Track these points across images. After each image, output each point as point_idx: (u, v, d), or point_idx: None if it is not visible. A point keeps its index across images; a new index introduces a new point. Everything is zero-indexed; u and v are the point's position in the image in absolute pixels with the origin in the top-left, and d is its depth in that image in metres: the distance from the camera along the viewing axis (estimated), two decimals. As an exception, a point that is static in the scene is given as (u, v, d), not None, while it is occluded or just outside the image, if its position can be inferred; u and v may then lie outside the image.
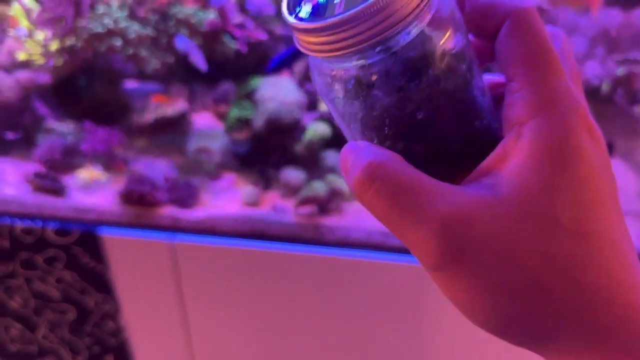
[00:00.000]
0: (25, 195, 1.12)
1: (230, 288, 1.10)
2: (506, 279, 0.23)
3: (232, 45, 1.16)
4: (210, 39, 1.13)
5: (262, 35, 1.17)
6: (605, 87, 1.12)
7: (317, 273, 1.06)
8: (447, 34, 0.26)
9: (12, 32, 1.19)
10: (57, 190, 1.11)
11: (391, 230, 0.25)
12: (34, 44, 1.12)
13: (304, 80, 1.20)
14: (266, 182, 1.12)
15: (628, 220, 0.98)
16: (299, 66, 1.21)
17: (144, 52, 1.10)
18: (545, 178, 0.24)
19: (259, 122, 1.11)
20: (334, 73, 0.27)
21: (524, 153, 0.24)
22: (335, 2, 0.25)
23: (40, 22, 1.07)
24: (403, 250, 0.98)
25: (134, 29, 1.07)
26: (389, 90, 0.26)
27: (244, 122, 1.14)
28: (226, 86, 1.26)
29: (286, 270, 1.07)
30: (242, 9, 1.20)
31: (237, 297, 1.11)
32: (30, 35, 1.15)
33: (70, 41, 1.07)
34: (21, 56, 1.13)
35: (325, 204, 1.05)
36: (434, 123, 0.28)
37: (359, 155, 0.26)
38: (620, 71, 1.08)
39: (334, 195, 1.06)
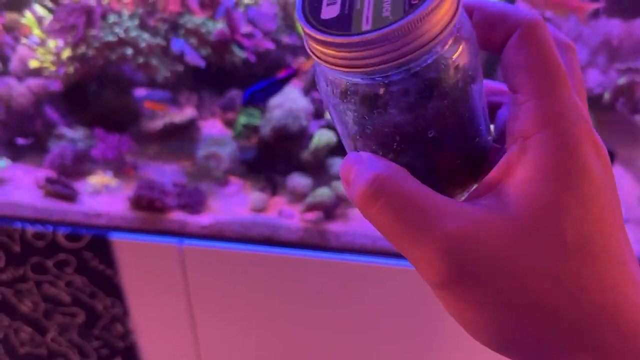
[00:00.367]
0: (36, 201, 1.13)
1: (237, 292, 1.12)
2: (511, 299, 0.23)
3: (240, 54, 1.17)
4: (219, 48, 1.15)
5: (269, 45, 1.19)
6: (607, 96, 1.13)
7: (322, 278, 1.07)
8: (463, 51, 0.26)
9: (24, 41, 1.21)
10: (68, 196, 1.13)
11: (395, 246, 0.25)
12: (46, 52, 1.14)
13: (311, 88, 1.22)
14: (273, 188, 1.14)
15: (629, 227, 0.99)
16: (306, 74, 1.23)
17: (154, 61, 1.12)
18: (551, 195, 0.23)
19: (266, 129, 1.12)
20: (346, 84, 0.26)
21: (529, 168, 0.24)
22: (358, 6, 0.24)
23: (53, 31, 1.09)
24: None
25: (145, 38, 1.09)
26: (405, 109, 0.26)
27: (252, 129, 1.16)
28: (233, 94, 1.28)
29: (292, 275, 1.08)
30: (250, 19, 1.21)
31: (244, 301, 1.12)
32: (42, 43, 1.17)
33: (81, 50, 1.09)
34: (33, 64, 1.15)
35: (331, 210, 1.07)
36: (443, 140, 0.28)
37: (363, 167, 0.25)
38: (622, 80, 1.09)
39: (340, 201, 1.08)
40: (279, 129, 1.11)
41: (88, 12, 1.06)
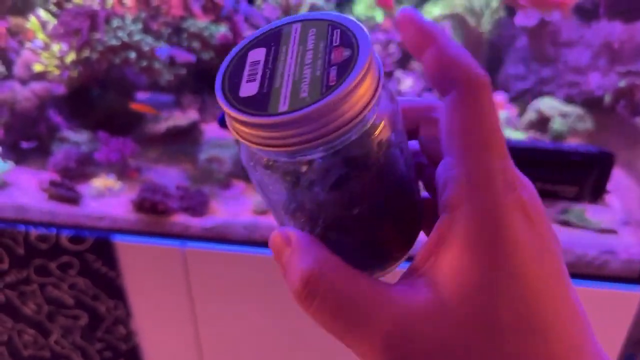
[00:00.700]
0: (40, 203, 1.14)
1: (240, 294, 1.12)
2: None
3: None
4: (221, 52, 1.15)
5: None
6: (607, 99, 1.14)
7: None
8: (386, 126, 0.25)
9: (28, 45, 1.22)
10: (72, 199, 1.13)
11: (338, 339, 0.25)
12: (50, 56, 1.14)
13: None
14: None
15: (630, 230, 0.99)
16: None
17: (157, 65, 1.13)
18: (481, 277, 0.23)
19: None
20: (268, 160, 0.25)
21: (457, 245, 0.23)
22: (277, 85, 0.24)
23: (57, 35, 1.10)
24: (409, 259, 0.99)
25: (148, 42, 1.10)
26: (328, 187, 0.25)
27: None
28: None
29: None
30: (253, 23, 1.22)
31: (247, 303, 1.13)
32: (46, 47, 1.17)
33: (85, 53, 1.10)
34: (37, 68, 1.16)
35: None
36: (370, 216, 0.27)
37: (294, 259, 0.25)
38: (623, 83, 1.10)
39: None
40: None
41: (92, 16, 1.07)
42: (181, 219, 1.10)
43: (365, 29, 0.25)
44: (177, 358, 1.26)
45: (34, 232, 1.11)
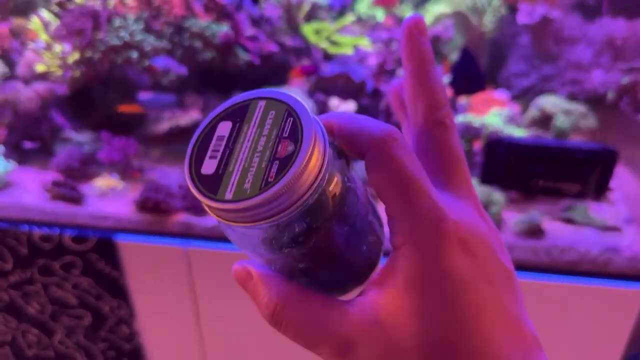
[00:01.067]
0: (43, 203, 1.14)
1: (243, 294, 1.11)
2: None
3: (244, 57, 1.18)
4: (223, 51, 1.15)
5: (273, 47, 1.19)
6: (610, 96, 1.13)
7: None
8: (335, 180, 0.28)
9: (31, 45, 1.22)
10: (75, 199, 1.13)
11: (305, 348, 0.29)
12: (52, 56, 1.15)
13: (315, 89, 1.22)
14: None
15: (633, 227, 0.98)
16: (311, 77, 1.24)
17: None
18: (415, 305, 0.26)
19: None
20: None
21: (397, 279, 0.27)
22: (230, 168, 0.27)
23: (61, 35, 1.10)
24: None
25: (150, 42, 1.10)
26: (286, 244, 0.28)
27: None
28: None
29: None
30: (255, 21, 1.22)
31: (250, 303, 1.12)
32: (48, 47, 1.18)
33: (87, 53, 1.10)
34: (40, 68, 1.16)
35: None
36: (331, 263, 0.31)
37: (260, 290, 0.30)
38: (625, 80, 1.10)
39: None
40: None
41: (94, 17, 1.07)
42: (184, 218, 1.10)
43: (313, 121, 0.27)
44: (180, 358, 1.26)
45: (37, 232, 1.11)
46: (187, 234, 1.10)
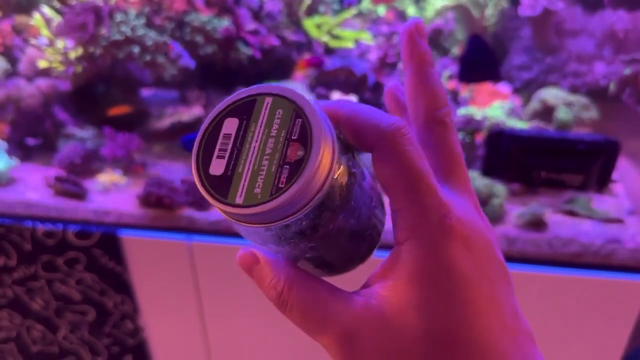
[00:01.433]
0: (46, 199, 1.15)
1: (246, 288, 1.12)
2: None
3: (246, 51, 1.18)
4: (224, 45, 1.15)
5: (274, 41, 1.19)
6: (612, 87, 1.13)
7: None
8: (341, 173, 0.28)
9: (33, 41, 1.22)
10: (78, 194, 1.14)
11: (307, 334, 0.30)
12: (54, 52, 1.15)
13: (317, 84, 1.22)
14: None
15: (637, 220, 0.98)
16: (311, 70, 1.24)
17: (160, 59, 1.13)
18: (418, 298, 0.27)
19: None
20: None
21: (401, 272, 0.27)
22: (240, 169, 0.27)
23: (62, 31, 1.10)
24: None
25: (151, 37, 1.10)
26: (295, 238, 0.29)
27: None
28: (241, 91, 1.29)
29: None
30: (256, 15, 1.22)
31: (253, 297, 1.13)
32: (50, 44, 1.18)
33: (89, 49, 1.10)
34: (42, 64, 1.17)
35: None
36: (331, 252, 0.32)
37: (267, 273, 0.30)
38: (628, 71, 1.09)
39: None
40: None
41: (96, 12, 1.07)
42: (187, 213, 1.11)
43: (322, 121, 0.27)
44: (184, 352, 1.27)
45: (40, 228, 1.11)
46: (190, 229, 1.10)
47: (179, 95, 1.36)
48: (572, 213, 1.06)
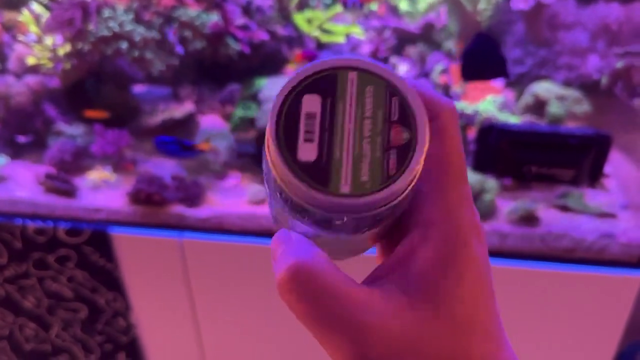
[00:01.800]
0: (37, 197, 1.14)
1: (237, 284, 1.12)
2: None
3: (235, 46, 1.17)
4: (213, 41, 1.15)
5: (264, 36, 1.18)
6: (604, 81, 1.12)
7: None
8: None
9: (21, 38, 1.22)
10: (68, 191, 1.13)
11: (308, 329, 0.26)
12: (43, 49, 1.14)
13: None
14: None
15: (629, 213, 0.97)
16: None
17: (149, 55, 1.12)
18: (447, 285, 0.25)
19: (262, 121, 1.12)
20: (303, 205, 0.25)
21: (429, 257, 0.26)
22: (337, 156, 0.24)
23: (50, 27, 1.09)
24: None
25: (139, 32, 1.09)
26: (351, 231, 0.27)
27: (248, 122, 1.16)
28: (233, 87, 1.28)
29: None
30: (246, 10, 1.21)
31: (245, 293, 1.12)
32: (39, 40, 1.17)
33: (77, 45, 1.09)
34: (30, 61, 1.16)
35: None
36: (369, 242, 0.30)
37: (287, 249, 0.26)
38: (620, 64, 1.08)
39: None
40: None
41: (83, 7, 1.07)
42: (177, 210, 1.10)
43: (420, 99, 0.25)
44: (177, 349, 1.26)
45: (31, 225, 1.11)
46: (180, 226, 1.10)
47: (171, 92, 1.35)
48: (565, 208, 1.05)
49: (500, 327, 0.27)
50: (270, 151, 0.24)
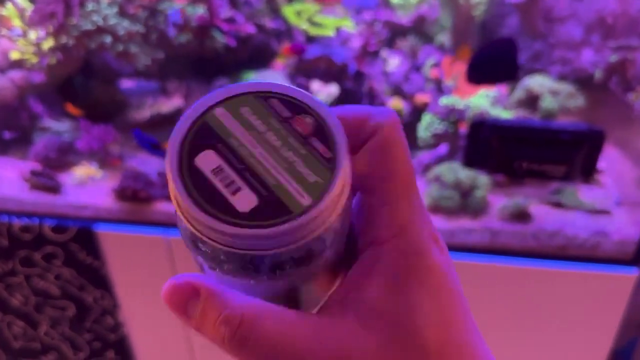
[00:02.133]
0: (22, 194, 1.13)
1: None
2: None
3: (221, 40, 1.15)
4: (199, 34, 1.13)
5: (250, 29, 1.16)
6: (598, 75, 1.10)
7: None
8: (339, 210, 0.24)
9: (4, 32, 1.20)
10: (53, 188, 1.12)
11: None
12: (27, 43, 1.12)
13: (296, 72, 1.20)
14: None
15: (623, 209, 0.96)
16: (291, 59, 1.21)
17: (134, 49, 1.10)
18: (408, 301, 0.24)
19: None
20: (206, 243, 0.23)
21: (386, 274, 0.25)
22: (272, 182, 0.22)
23: (33, 21, 1.08)
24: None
25: (124, 26, 1.07)
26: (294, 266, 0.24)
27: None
28: (222, 82, 1.26)
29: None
30: (233, 3, 1.19)
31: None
32: (23, 35, 1.15)
33: (62, 39, 1.07)
34: (14, 55, 1.14)
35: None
36: (316, 282, 0.27)
37: (215, 305, 0.24)
38: (614, 58, 1.06)
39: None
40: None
41: (66, 1, 1.05)
42: (164, 207, 1.08)
43: (294, 87, 0.24)
44: (166, 347, 1.25)
45: (17, 223, 1.09)
46: (168, 223, 1.08)
47: (159, 86, 1.33)
48: (558, 204, 1.03)
49: (470, 338, 0.26)
50: (199, 222, 0.22)
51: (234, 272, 0.24)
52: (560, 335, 1.05)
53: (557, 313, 1.02)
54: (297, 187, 0.22)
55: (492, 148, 0.94)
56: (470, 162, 0.99)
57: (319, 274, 0.26)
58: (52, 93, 1.26)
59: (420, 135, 1.12)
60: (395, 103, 1.13)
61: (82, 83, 1.24)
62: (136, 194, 1.07)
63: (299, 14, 1.24)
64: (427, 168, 1.09)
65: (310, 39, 1.26)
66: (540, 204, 1.04)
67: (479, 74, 1.05)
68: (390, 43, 1.26)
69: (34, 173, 1.12)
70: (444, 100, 1.09)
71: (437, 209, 1.02)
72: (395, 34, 1.26)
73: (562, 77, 1.16)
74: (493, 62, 1.04)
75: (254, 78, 1.15)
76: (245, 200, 0.22)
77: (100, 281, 1.15)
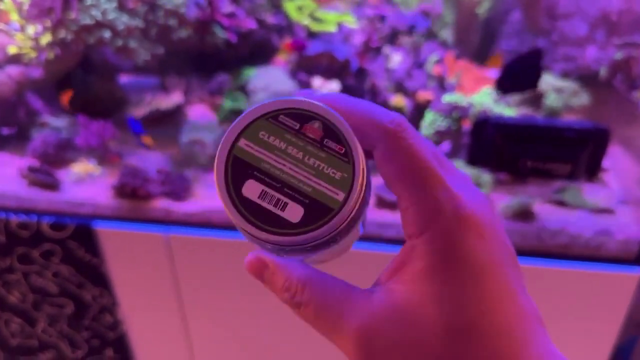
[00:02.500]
0: (20, 190, 1.11)
1: (225, 279, 1.10)
2: None
3: (222, 35, 1.14)
4: (199, 29, 1.11)
5: (251, 24, 1.15)
6: (603, 72, 1.09)
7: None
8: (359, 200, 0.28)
9: (2, 26, 1.18)
10: (52, 185, 1.10)
11: (322, 334, 0.30)
12: (25, 38, 1.11)
13: (297, 69, 1.18)
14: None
15: (628, 208, 0.95)
16: (292, 55, 1.19)
17: (133, 44, 1.08)
18: (438, 290, 0.26)
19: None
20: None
21: (417, 266, 0.27)
22: (308, 190, 0.27)
23: (31, 16, 1.06)
24: (399, 242, 0.96)
25: (123, 21, 1.06)
26: (316, 249, 0.30)
27: (237, 114, 1.13)
28: (222, 78, 1.25)
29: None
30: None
31: (233, 289, 1.10)
32: (21, 29, 1.14)
33: (61, 34, 1.06)
34: (12, 50, 1.12)
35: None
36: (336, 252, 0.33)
37: (278, 276, 0.31)
38: (619, 55, 1.05)
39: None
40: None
41: (65, -5, 1.03)
42: (163, 204, 1.07)
43: (294, 97, 0.28)
44: (165, 345, 1.25)
45: (14, 219, 1.08)
46: (167, 220, 1.07)
47: (159, 82, 1.32)
48: (561, 203, 1.02)
49: (522, 322, 0.27)
50: (267, 241, 0.28)
51: (291, 254, 0.30)
52: (562, 334, 1.04)
53: (559, 312, 1.01)
54: (330, 187, 0.27)
55: (496, 146, 0.93)
56: (473, 160, 0.98)
57: (351, 234, 0.31)
58: (50, 88, 1.24)
59: (423, 132, 1.11)
60: (398, 100, 1.12)
61: (81, 79, 1.22)
62: (135, 191, 1.06)
63: (300, 9, 1.22)
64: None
65: (312, 35, 1.25)
66: (544, 203, 1.03)
67: (508, 84, 1.05)
68: (392, 39, 1.25)
69: (31, 169, 1.11)
70: (447, 98, 1.07)
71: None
72: (397, 30, 1.25)
73: (566, 75, 1.15)
74: (522, 72, 1.04)
75: (254, 76, 1.13)
76: (293, 212, 0.27)
77: (99, 278, 1.14)
